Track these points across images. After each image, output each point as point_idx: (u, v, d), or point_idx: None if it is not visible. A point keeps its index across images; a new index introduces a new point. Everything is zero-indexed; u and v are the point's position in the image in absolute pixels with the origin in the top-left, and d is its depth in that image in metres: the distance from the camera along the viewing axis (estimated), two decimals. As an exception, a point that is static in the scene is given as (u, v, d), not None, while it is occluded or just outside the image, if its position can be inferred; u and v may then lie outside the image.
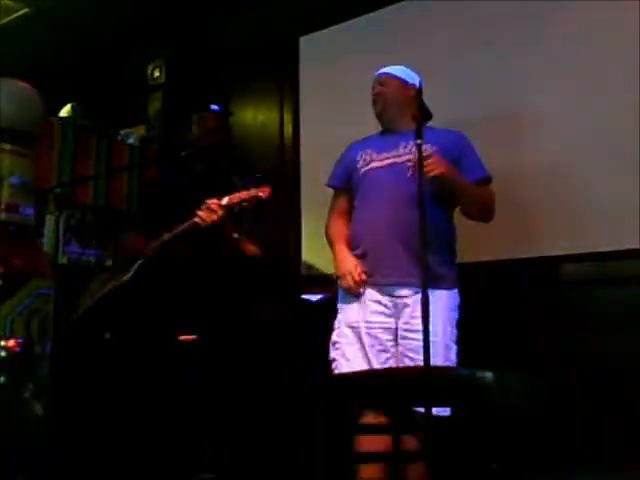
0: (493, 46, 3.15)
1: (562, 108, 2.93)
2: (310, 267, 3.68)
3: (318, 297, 3.24)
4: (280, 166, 3.90)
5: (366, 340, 2.30)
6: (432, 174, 2.23)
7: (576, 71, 2.91)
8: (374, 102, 2.59)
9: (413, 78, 2.56)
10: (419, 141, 2.20)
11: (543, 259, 2.89)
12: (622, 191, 2.72)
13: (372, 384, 1.22)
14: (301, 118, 3.88)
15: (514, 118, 3.05)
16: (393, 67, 2.62)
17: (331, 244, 2.55)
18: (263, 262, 2.62)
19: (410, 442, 2.00)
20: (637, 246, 2.64)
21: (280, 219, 3.74)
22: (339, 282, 2.42)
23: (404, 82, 2.55)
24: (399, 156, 2.43)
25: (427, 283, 2.05)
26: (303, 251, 3.72)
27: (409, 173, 2.36)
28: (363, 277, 2.34)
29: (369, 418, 2.13)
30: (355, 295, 2.37)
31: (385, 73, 2.61)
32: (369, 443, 2.10)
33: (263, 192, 2.37)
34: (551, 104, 2.96)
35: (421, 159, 2.20)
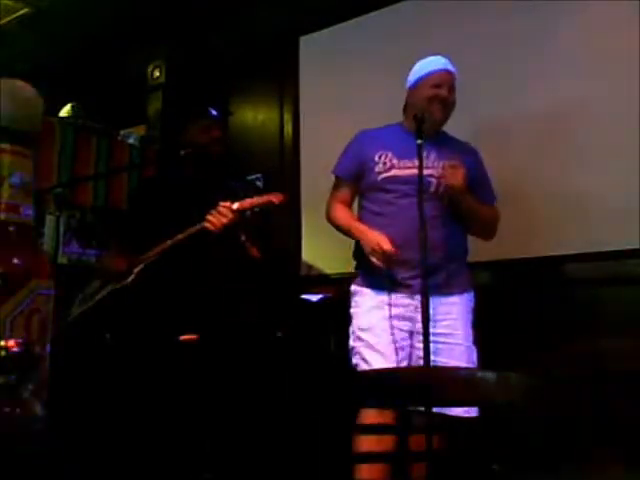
0: (493, 47, 3.16)
1: (561, 109, 2.93)
2: (310, 267, 3.68)
3: (318, 297, 3.24)
4: (280, 166, 3.90)
5: (385, 339, 2.26)
6: (450, 182, 2.24)
7: (576, 72, 2.91)
8: (437, 108, 2.37)
9: None
10: (419, 141, 2.21)
11: (543, 259, 2.89)
12: (622, 191, 2.72)
13: (373, 384, 1.22)
14: (301, 118, 3.88)
15: (514, 119, 3.05)
16: (449, 62, 2.45)
17: (344, 226, 2.46)
18: (263, 262, 2.61)
19: (414, 442, 1.99)
20: (637, 246, 2.64)
21: (280, 219, 3.75)
22: (370, 258, 2.28)
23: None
24: (423, 168, 2.29)
25: (429, 288, 2.08)
26: (303, 251, 3.72)
27: (432, 189, 2.32)
28: (389, 246, 2.23)
29: (372, 418, 2.12)
30: (387, 269, 2.26)
31: (454, 74, 2.43)
32: (372, 443, 2.09)
33: (277, 198, 2.33)
34: (550, 105, 2.96)
35: (421, 160, 2.20)
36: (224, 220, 2.35)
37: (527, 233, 2.93)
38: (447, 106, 2.39)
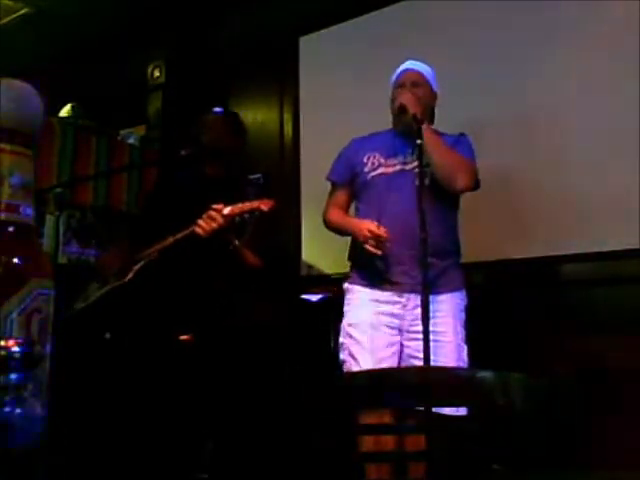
0: (494, 46, 3.16)
1: (560, 109, 2.93)
2: (310, 267, 3.68)
3: (318, 297, 3.24)
4: (280, 166, 3.90)
5: (372, 335, 2.28)
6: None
7: (576, 72, 2.91)
8: (405, 103, 2.32)
9: (436, 84, 2.50)
10: (419, 141, 2.21)
11: (543, 259, 2.89)
12: (622, 191, 2.72)
13: (373, 384, 1.22)
14: (301, 118, 3.88)
15: (513, 119, 3.05)
16: (421, 65, 2.48)
17: (338, 225, 2.48)
18: (261, 269, 2.61)
19: (415, 442, 1.99)
20: (637, 246, 2.64)
21: (280, 219, 3.74)
22: (364, 246, 2.27)
23: (433, 91, 2.48)
24: (407, 163, 2.37)
25: (428, 287, 2.07)
26: (303, 251, 3.72)
27: (417, 182, 2.28)
28: (379, 230, 2.23)
29: (373, 418, 2.12)
30: (382, 254, 2.26)
31: (419, 72, 2.47)
32: (374, 443, 2.09)
33: (265, 205, 2.34)
34: (549, 105, 2.96)
35: (422, 158, 2.20)
36: (214, 225, 2.36)
37: (526, 233, 2.93)
38: (412, 100, 2.34)
